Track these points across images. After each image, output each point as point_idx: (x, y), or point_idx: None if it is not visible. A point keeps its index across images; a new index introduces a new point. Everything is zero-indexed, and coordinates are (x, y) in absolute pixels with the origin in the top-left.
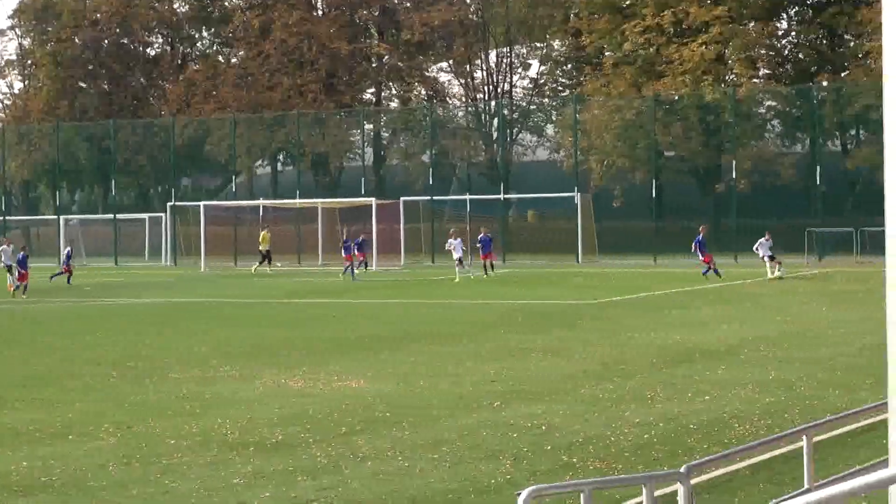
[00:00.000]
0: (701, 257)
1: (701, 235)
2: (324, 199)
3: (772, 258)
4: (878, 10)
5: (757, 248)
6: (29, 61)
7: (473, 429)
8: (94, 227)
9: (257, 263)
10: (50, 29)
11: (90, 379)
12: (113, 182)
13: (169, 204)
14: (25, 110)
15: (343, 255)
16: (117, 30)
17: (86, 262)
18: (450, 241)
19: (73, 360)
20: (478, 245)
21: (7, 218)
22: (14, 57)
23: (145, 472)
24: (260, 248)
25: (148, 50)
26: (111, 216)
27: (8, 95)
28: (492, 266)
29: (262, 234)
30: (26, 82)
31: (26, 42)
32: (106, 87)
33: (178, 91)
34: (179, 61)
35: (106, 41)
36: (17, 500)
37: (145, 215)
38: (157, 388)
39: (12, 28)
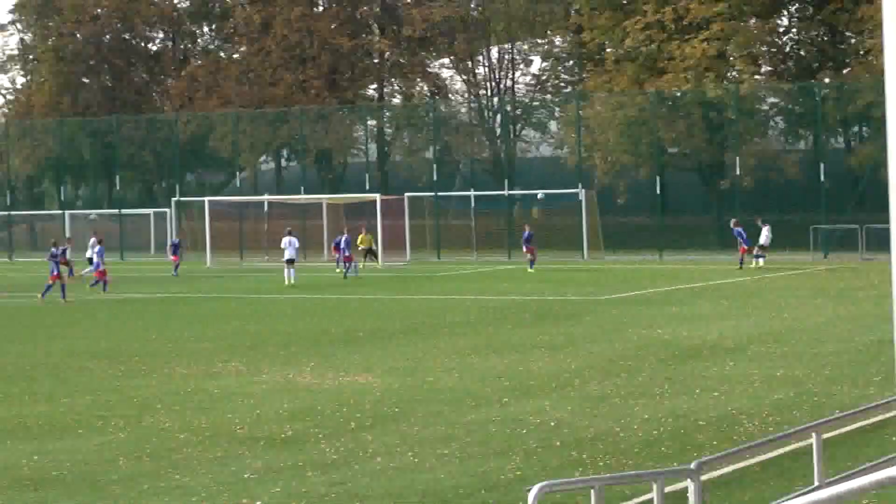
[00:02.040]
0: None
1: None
2: (328, 195)
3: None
4: (878, 8)
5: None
6: (31, 56)
7: (482, 424)
8: (99, 221)
9: (365, 262)
10: (51, 24)
11: (98, 373)
12: (117, 177)
13: (173, 199)
14: (28, 105)
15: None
16: (119, 25)
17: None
18: (285, 239)
19: (80, 354)
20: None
21: (12, 213)
22: (16, 52)
23: (155, 467)
24: (360, 248)
25: (150, 45)
26: (116, 211)
27: (10, 91)
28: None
29: (360, 236)
30: (28, 77)
31: (28, 37)
32: (108, 82)
33: (181, 87)
34: (181, 57)
35: (108, 36)
36: (27, 494)
37: (150, 210)
38: (165, 382)
39: (13, 23)
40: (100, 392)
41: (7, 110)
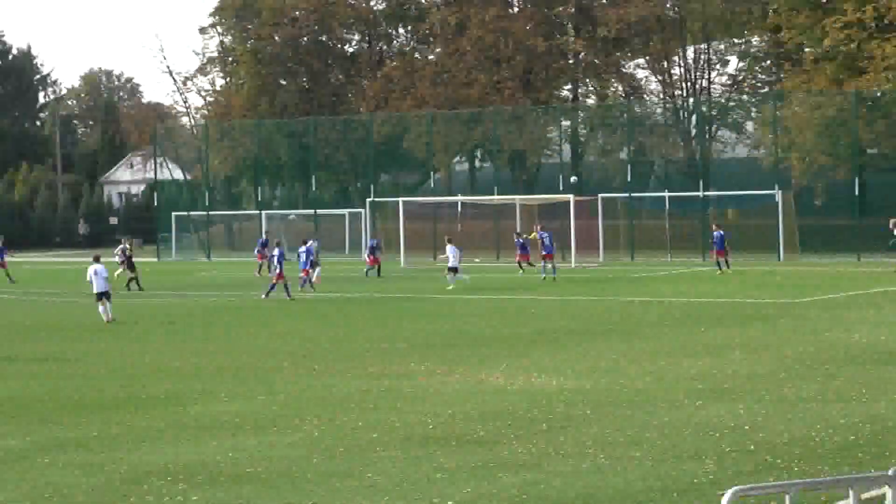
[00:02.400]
0: None
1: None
2: (522, 196)
3: None
4: None
5: None
6: (230, 59)
7: (675, 427)
8: (296, 221)
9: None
10: (250, 26)
11: (293, 371)
12: (313, 178)
13: (368, 200)
14: (227, 107)
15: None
16: (316, 27)
17: (288, 258)
18: (448, 248)
19: (276, 353)
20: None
21: (210, 213)
22: (216, 54)
23: (349, 465)
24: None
25: (346, 47)
26: (312, 211)
27: (210, 92)
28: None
29: (533, 234)
30: (228, 79)
31: (227, 39)
32: (305, 84)
33: (376, 88)
34: (377, 58)
35: (305, 38)
36: (222, 490)
37: (345, 211)
38: (359, 381)
39: (213, 26)
40: (295, 390)
41: (207, 112)
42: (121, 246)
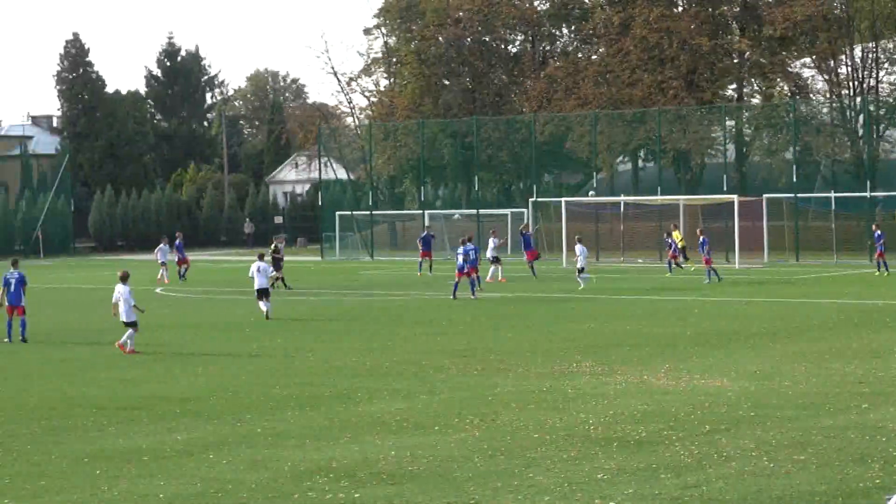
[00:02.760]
0: None
1: None
2: (685, 196)
3: None
4: None
5: None
6: (394, 59)
7: (840, 430)
8: (458, 221)
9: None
10: (414, 27)
11: (454, 371)
12: (476, 178)
13: (531, 199)
14: (391, 107)
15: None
16: (479, 28)
17: (449, 256)
18: (577, 247)
19: (439, 352)
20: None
21: (374, 212)
22: (380, 55)
23: (509, 465)
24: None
25: (509, 47)
26: (474, 211)
27: (374, 93)
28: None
29: (675, 233)
30: (391, 80)
31: (391, 40)
32: (468, 84)
33: (539, 88)
34: (540, 58)
35: (468, 39)
36: (384, 488)
37: (507, 211)
38: (520, 381)
39: (378, 27)
40: (456, 390)
41: (370, 112)
42: (273, 244)
